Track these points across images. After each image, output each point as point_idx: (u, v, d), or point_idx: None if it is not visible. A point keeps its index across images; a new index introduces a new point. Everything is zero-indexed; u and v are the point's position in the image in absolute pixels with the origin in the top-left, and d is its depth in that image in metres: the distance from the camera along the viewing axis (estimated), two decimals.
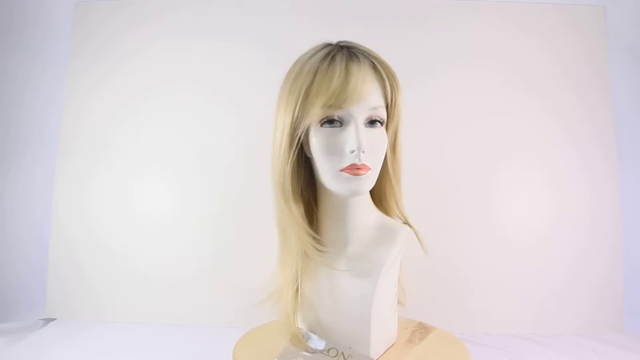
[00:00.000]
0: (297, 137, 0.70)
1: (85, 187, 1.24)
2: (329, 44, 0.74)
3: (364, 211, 0.78)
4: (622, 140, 1.23)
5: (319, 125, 0.69)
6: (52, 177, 1.25)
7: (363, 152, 0.67)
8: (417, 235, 0.82)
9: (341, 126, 0.69)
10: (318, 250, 0.75)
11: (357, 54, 0.71)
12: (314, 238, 0.74)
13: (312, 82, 0.68)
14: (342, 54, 0.70)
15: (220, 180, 1.23)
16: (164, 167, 1.24)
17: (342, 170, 0.69)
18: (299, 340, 0.75)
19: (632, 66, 1.25)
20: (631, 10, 1.25)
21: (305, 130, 0.70)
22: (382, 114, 0.72)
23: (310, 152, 0.72)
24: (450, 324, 1.05)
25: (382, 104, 0.71)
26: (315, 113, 0.67)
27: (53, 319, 1.20)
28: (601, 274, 1.19)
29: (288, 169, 0.71)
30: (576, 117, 1.22)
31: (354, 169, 0.68)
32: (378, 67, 0.71)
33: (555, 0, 1.24)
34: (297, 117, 0.69)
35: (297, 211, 0.73)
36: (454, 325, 1.07)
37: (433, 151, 1.18)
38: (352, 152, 0.68)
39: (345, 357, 0.73)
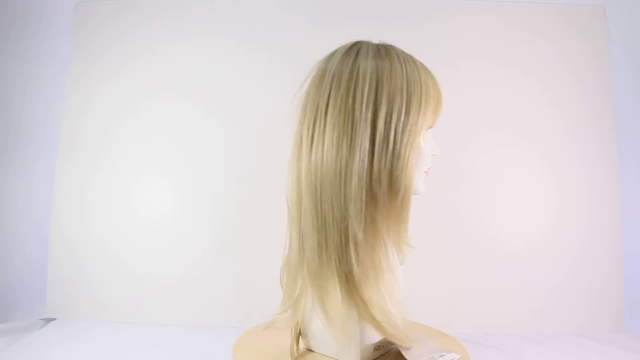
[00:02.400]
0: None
1: (85, 187, 1.24)
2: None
3: None
4: (623, 140, 1.23)
5: (425, 129, 0.73)
6: (52, 177, 1.25)
7: None
8: None
9: None
10: (409, 247, 0.75)
11: None
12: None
13: (433, 90, 0.71)
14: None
15: (220, 181, 1.23)
16: (164, 167, 1.24)
17: (425, 171, 0.76)
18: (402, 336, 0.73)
19: (632, 66, 1.25)
20: (631, 10, 1.25)
21: None
22: None
23: None
24: (450, 324, 1.05)
25: None
26: (435, 119, 0.73)
27: (53, 319, 1.20)
28: (601, 274, 1.19)
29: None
30: (576, 117, 1.22)
31: (428, 170, 0.77)
32: None
33: (556, 0, 1.24)
34: (426, 121, 0.71)
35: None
36: (454, 325, 1.07)
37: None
38: (434, 155, 0.75)
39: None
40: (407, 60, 0.71)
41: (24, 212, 1.27)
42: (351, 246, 0.67)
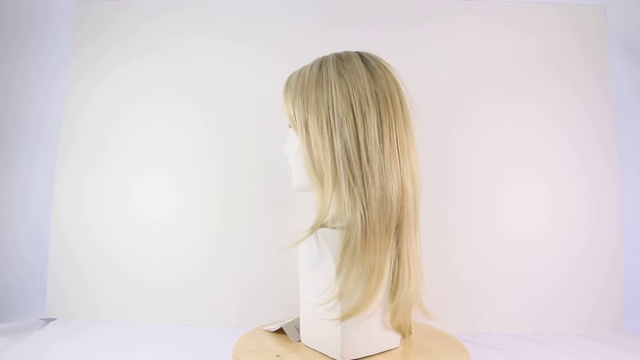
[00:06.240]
0: None
1: (84, 188, 1.24)
2: None
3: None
4: (623, 140, 1.23)
5: None
6: (51, 177, 1.25)
7: None
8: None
9: None
10: None
11: None
12: None
13: None
14: None
15: (220, 181, 1.23)
16: (164, 168, 1.24)
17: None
18: None
19: (632, 66, 1.25)
20: (631, 10, 1.25)
21: None
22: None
23: None
24: (450, 324, 1.05)
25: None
26: None
27: (53, 319, 1.20)
28: (602, 274, 1.18)
29: None
30: (576, 118, 1.22)
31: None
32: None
33: (556, 0, 1.24)
34: None
35: None
36: (454, 325, 1.07)
37: (433, 152, 1.18)
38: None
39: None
40: None
41: (23, 213, 1.27)
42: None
